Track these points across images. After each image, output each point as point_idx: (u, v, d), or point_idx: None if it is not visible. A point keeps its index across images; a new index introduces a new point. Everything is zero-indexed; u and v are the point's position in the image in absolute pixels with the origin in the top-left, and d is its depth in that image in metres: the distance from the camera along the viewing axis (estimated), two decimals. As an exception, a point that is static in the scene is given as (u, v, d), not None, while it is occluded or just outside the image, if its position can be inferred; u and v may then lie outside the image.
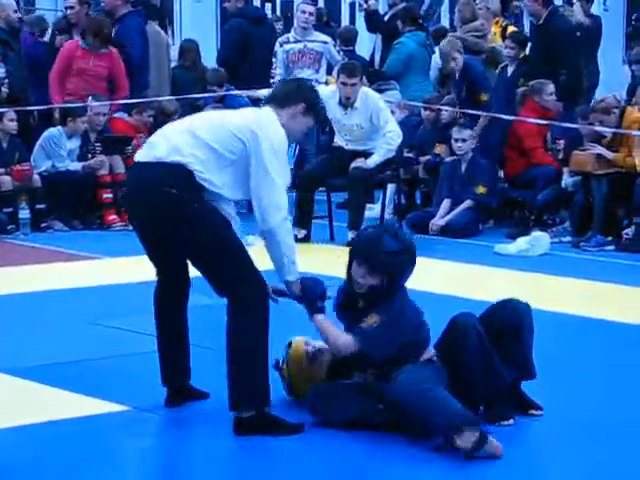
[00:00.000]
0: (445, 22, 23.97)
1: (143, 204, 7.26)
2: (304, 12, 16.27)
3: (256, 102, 15.99)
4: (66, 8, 16.76)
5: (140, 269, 11.77)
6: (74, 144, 14.31)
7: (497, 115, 14.89)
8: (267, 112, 7.41)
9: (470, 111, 14.83)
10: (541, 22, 15.84)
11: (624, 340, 9.45)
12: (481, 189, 13.92)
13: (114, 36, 15.36)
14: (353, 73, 13.52)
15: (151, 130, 15.01)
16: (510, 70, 15.88)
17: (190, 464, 7.11)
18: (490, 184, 14.08)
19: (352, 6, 29.05)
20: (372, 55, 18.82)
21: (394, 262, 7.36)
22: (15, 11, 16.11)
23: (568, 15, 17.47)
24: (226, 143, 7.12)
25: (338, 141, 13.48)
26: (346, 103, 13.31)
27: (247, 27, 16.80)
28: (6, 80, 14.77)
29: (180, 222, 7.08)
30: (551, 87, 14.52)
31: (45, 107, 15.05)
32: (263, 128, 7.18)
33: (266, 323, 7.28)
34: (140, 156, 7.32)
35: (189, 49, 17.38)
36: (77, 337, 9.48)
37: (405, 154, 14.34)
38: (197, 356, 8.06)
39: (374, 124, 13.26)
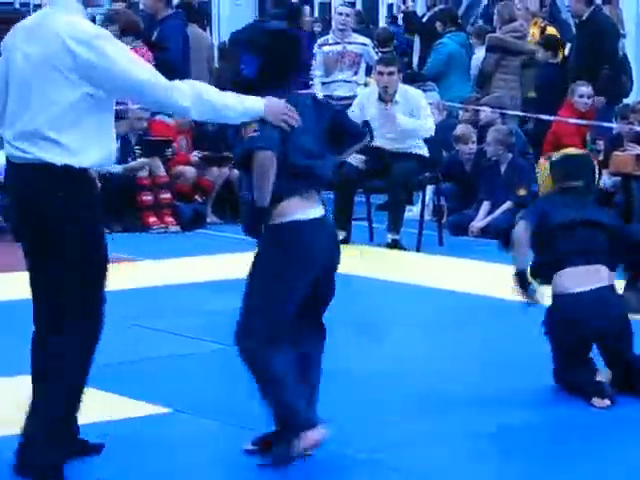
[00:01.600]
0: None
1: None
2: (341, 14, 16.39)
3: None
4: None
5: (179, 271, 11.89)
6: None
7: (537, 116, 14.90)
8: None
9: (509, 112, 14.83)
10: (584, 19, 15.85)
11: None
12: (522, 191, 13.92)
13: (156, 37, 15.42)
14: (390, 62, 13.69)
15: (194, 133, 15.12)
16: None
17: (227, 467, 7.18)
18: (530, 186, 14.07)
19: (390, 8, 29.09)
20: (410, 57, 18.87)
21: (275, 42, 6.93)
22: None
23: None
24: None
25: (378, 142, 13.47)
26: (385, 96, 13.33)
27: (289, 33, 16.93)
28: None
29: None
30: (582, 89, 14.49)
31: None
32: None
33: None
34: None
35: (225, 47, 17.43)
36: (118, 339, 9.50)
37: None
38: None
39: (416, 119, 13.30)
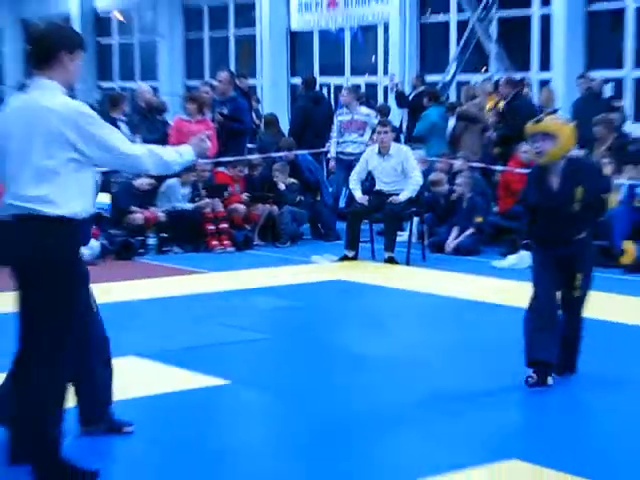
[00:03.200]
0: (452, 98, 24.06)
1: None
2: (342, 95, 16.52)
3: (317, 157, 16.20)
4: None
5: (234, 280, 11.89)
6: (186, 190, 14.39)
7: (490, 167, 14.92)
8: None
9: (473, 164, 14.84)
10: (509, 100, 15.90)
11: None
12: (479, 219, 13.98)
13: (230, 112, 15.48)
14: (385, 124, 13.89)
15: (245, 180, 15.15)
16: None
17: (270, 426, 7.15)
18: (486, 216, 14.14)
19: (385, 89, 29.14)
20: (400, 124, 18.89)
21: None
22: (149, 93, 16.32)
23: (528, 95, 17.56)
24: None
25: (378, 186, 13.51)
26: (382, 150, 13.38)
27: (309, 107, 16.98)
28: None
29: None
30: (524, 147, 14.51)
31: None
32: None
33: None
34: None
35: (271, 120, 17.46)
36: (191, 330, 9.53)
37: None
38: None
39: (404, 169, 13.32)
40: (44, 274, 5.45)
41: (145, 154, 5.69)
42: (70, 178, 5.46)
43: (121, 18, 41.52)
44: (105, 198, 12.53)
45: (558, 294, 7.54)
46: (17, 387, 5.60)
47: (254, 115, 18.11)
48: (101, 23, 42.18)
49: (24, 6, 45.15)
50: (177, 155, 5.83)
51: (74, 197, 5.48)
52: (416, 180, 13.38)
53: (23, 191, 5.45)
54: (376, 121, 15.05)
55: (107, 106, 15.27)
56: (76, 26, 41.91)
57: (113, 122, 12.43)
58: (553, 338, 7.41)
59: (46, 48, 5.57)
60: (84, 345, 6.01)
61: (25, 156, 5.45)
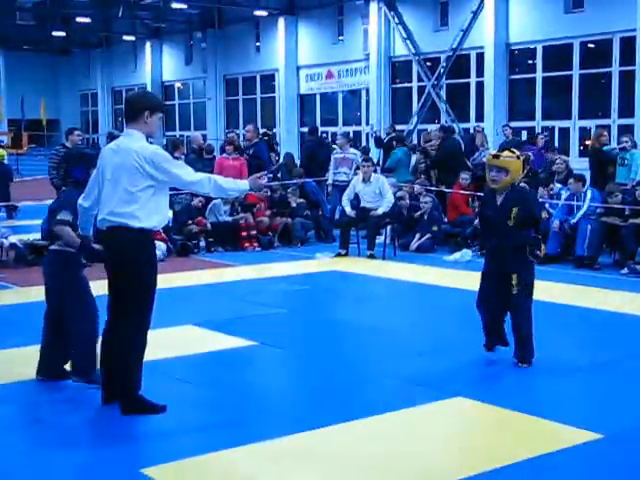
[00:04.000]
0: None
1: None
2: (337, 140, 16.43)
3: (320, 183, 16.16)
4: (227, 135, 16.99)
5: (261, 271, 11.85)
6: (227, 207, 14.34)
7: (442, 189, 14.88)
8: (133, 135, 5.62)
9: (427, 187, 14.82)
10: (439, 141, 15.99)
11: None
12: (435, 228, 13.91)
13: (254, 152, 15.44)
14: (367, 160, 13.90)
15: (268, 200, 15.11)
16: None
17: (288, 379, 7.13)
18: (440, 225, 14.07)
19: (367, 135, 29.17)
20: (378, 160, 18.86)
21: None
22: (200, 139, 16.28)
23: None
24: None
25: (362, 204, 13.47)
26: (365, 178, 13.34)
27: (314, 146, 16.94)
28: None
29: None
30: (464, 175, 14.49)
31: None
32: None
33: None
34: None
35: (289, 158, 17.37)
36: (231, 306, 9.51)
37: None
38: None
39: (381, 192, 13.28)
40: (130, 268, 5.48)
41: (204, 180, 5.60)
42: (149, 200, 5.48)
43: (181, 86, 41.55)
44: (169, 214, 12.49)
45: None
46: (110, 346, 5.61)
47: (273, 153, 18.04)
48: (167, 90, 42.26)
49: (113, 78, 45.25)
50: (234, 184, 5.75)
51: (152, 214, 5.51)
52: (389, 199, 13.34)
53: (115, 209, 5.48)
54: (360, 159, 15.01)
55: (170, 148, 15.22)
56: (149, 92, 42.03)
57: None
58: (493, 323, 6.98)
59: (134, 108, 5.60)
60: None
61: (117, 183, 5.47)
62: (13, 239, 12.56)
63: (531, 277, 6.84)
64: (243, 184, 5.83)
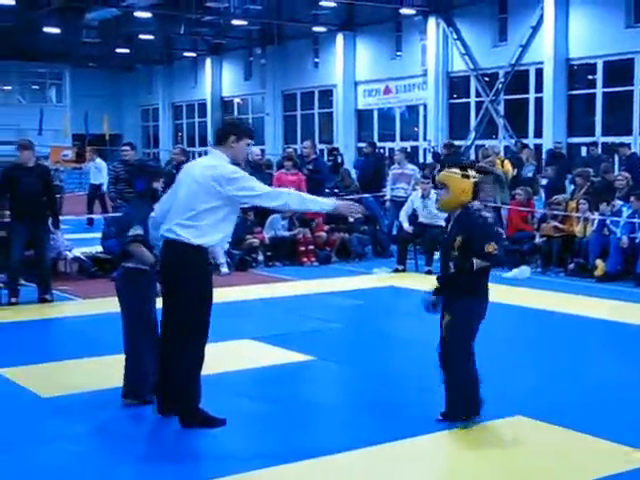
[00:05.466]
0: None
1: None
2: (395, 155, 16.44)
3: (377, 198, 16.13)
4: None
5: (318, 286, 11.85)
6: (285, 222, 14.38)
7: (501, 205, 14.71)
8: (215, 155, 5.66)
9: (488, 204, 14.71)
10: (446, 155, 16.42)
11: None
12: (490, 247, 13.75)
13: (313, 167, 15.50)
14: (427, 177, 13.88)
15: (325, 215, 15.12)
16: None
17: (345, 393, 7.10)
18: (497, 243, 13.88)
19: (425, 150, 29.12)
20: (434, 175, 18.80)
21: None
22: (257, 155, 16.42)
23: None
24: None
25: (419, 219, 13.42)
26: (424, 195, 13.30)
27: (376, 163, 17.02)
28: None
29: None
30: (520, 191, 14.32)
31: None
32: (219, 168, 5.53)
33: None
34: None
35: (346, 173, 17.37)
36: (288, 320, 9.52)
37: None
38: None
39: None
40: (186, 282, 5.46)
41: (283, 191, 5.69)
42: (216, 219, 5.46)
43: (240, 102, 41.89)
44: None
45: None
46: (166, 361, 5.60)
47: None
48: (226, 105, 42.65)
49: (174, 93, 45.83)
50: (316, 199, 5.71)
51: (216, 232, 5.52)
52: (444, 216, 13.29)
53: (181, 222, 5.46)
54: (419, 175, 14.93)
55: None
56: (208, 108, 42.40)
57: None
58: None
59: (223, 132, 5.68)
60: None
61: (188, 199, 5.48)
62: (76, 252, 12.77)
63: (465, 316, 5.70)
64: (328, 202, 5.78)
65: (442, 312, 5.80)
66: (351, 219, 14.92)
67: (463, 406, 5.69)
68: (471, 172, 5.75)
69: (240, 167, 5.74)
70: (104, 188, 18.29)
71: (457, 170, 5.77)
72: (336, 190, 16.43)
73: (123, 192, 11.97)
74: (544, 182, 16.85)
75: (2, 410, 6.11)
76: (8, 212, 10.53)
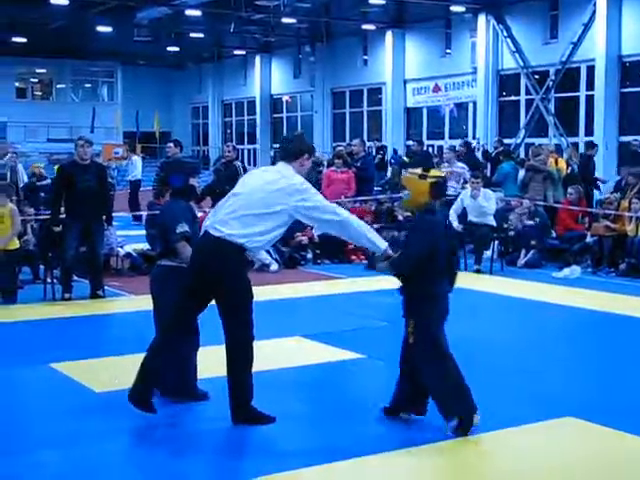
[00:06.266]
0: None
1: None
2: (445, 153, 16.42)
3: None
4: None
5: (366, 284, 11.86)
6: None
7: (551, 204, 14.58)
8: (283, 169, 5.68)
9: (538, 202, 14.57)
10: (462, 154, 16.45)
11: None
12: (534, 242, 13.68)
13: (361, 164, 15.51)
14: (477, 176, 13.66)
15: (373, 213, 15.12)
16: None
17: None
18: (540, 241, 13.79)
19: (474, 149, 28.96)
20: (484, 173, 18.70)
21: None
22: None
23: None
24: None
25: (469, 218, 13.37)
26: (474, 195, 13.21)
27: (419, 160, 17.00)
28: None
29: None
30: (571, 190, 14.18)
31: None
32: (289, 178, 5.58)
33: None
34: None
35: (396, 171, 17.38)
36: (336, 319, 9.54)
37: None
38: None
39: (487, 206, 13.17)
40: (227, 281, 5.45)
41: (352, 218, 5.62)
42: (270, 226, 5.49)
43: (289, 100, 42.01)
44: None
45: None
46: (230, 363, 5.59)
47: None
48: (275, 103, 42.80)
49: (223, 91, 46.10)
50: (374, 234, 5.70)
51: (261, 236, 5.51)
52: (491, 210, 13.29)
53: (232, 222, 5.44)
54: (468, 174, 14.87)
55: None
56: (258, 106, 42.60)
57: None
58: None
59: (299, 148, 5.72)
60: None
61: (248, 201, 5.49)
62: (128, 248, 12.93)
63: (428, 320, 5.65)
64: (382, 243, 5.69)
65: (405, 319, 5.73)
66: (400, 217, 14.91)
67: (454, 406, 5.57)
68: (431, 173, 5.59)
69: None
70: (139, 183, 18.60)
71: (416, 171, 5.64)
72: (387, 187, 16.45)
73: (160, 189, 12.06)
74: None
75: (60, 405, 6.21)
76: (63, 208, 10.59)
